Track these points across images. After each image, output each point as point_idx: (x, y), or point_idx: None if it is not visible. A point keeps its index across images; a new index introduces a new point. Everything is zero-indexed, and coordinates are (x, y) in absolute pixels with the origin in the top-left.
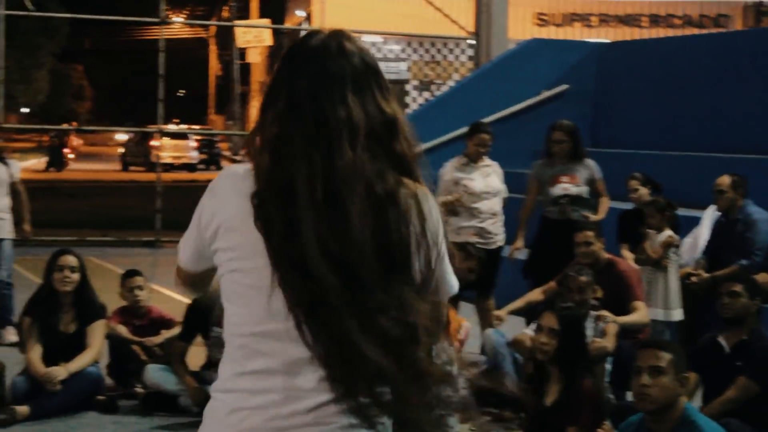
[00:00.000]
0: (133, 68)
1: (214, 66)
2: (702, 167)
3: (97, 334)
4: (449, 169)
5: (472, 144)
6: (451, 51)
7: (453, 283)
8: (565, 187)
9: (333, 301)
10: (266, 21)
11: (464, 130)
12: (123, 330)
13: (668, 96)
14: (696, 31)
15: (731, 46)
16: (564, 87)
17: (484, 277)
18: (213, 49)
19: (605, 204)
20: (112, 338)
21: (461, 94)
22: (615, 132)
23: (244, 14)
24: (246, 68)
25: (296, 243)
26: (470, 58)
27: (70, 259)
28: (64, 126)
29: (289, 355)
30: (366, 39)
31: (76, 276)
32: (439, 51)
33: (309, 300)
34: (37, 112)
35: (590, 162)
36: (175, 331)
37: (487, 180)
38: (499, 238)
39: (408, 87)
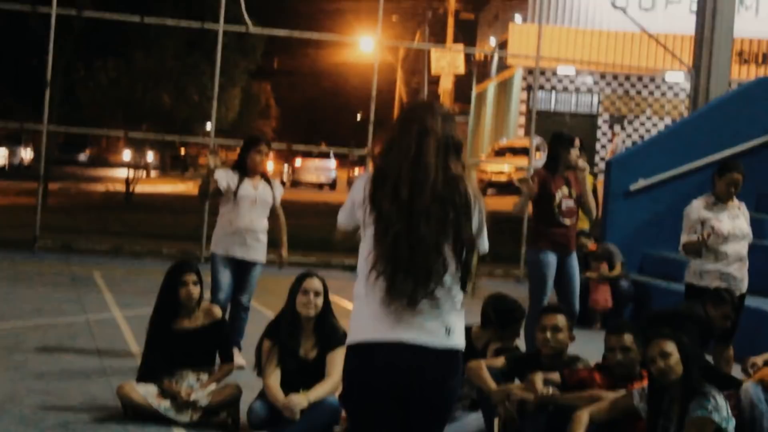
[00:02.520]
0: (318, 89)
1: (401, 91)
2: None
3: (338, 362)
4: (696, 208)
5: (722, 183)
6: (645, 86)
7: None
8: None
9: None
10: (460, 47)
11: (687, 167)
12: None
13: None
14: None
15: None
16: None
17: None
18: (400, 75)
19: None
20: None
21: (684, 131)
22: None
23: (439, 39)
24: (433, 95)
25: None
26: (663, 93)
27: (316, 283)
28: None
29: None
30: (559, 71)
31: (320, 301)
32: (633, 86)
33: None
34: (228, 130)
35: None
36: None
37: (735, 222)
38: (744, 284)
39: (599, 121)
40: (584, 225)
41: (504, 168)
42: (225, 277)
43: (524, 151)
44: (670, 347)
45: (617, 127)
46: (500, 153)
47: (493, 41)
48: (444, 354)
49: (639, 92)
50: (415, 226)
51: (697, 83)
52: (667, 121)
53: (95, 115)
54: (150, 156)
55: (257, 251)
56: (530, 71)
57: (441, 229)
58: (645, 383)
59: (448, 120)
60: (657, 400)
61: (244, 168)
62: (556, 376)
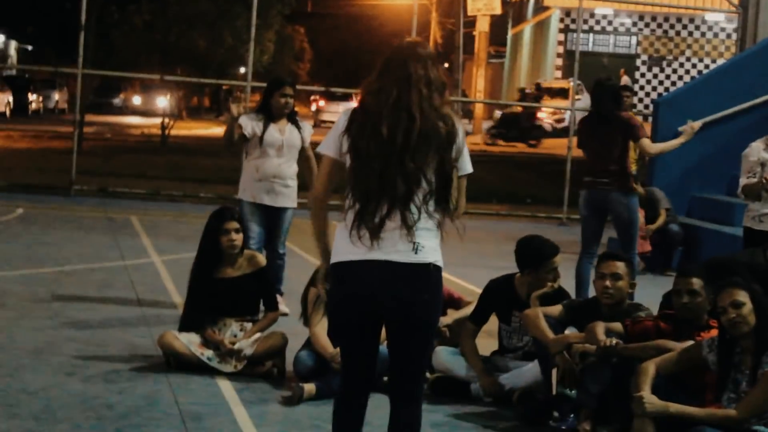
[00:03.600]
0: (352, 32)
1: (436, 33)
2: None
3: None
4: (755, 150)
5: None
6: (684, 27)
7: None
8: None
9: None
10: None
11: (736, 108)
12: None
13: None
14: None
15: None
16: None
17: None
18: (434, 17)
19: None
20: None
21: (732, 71)
22: None
23: None
24: (468, 37)
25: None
26: (702, 34)
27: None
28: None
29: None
30: (597, 11)
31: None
32: (672, 26)
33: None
34: (262, 72)
35: None
36: (466, 311)
37: None
38: None
39: (638, 62)
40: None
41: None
42: (255, 224)
43: (562, 92)
44: (743, 296)
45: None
46: (539, 96)
47: None
48: (412, 268)
49: (678, 33)
50: (398, 162)
51: (745, 21)
52: (707, 62)
53: (130, 60)
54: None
55: (286, 197)
56: (567, 13)
57: (424, 161)
58: (713, 333)
59: (430, 62)
60: (728, 351)
61: (269, 112)
62: (618, 326)
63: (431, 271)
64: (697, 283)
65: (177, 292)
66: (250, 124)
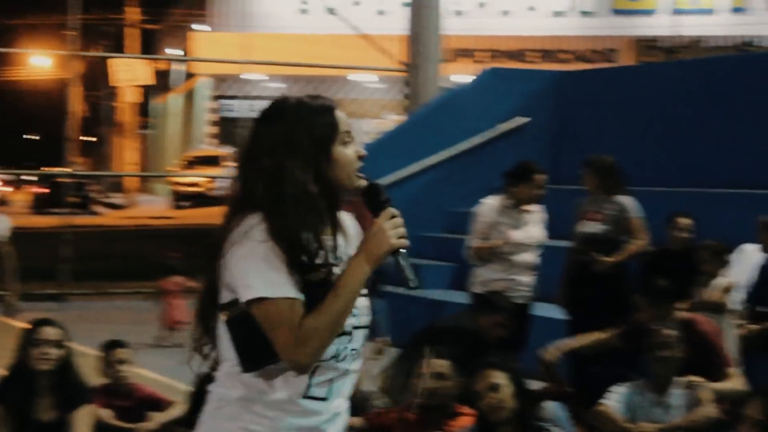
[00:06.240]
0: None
1: (79, 107)
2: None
3: (82, 422)
4: (488, 210)
5: (524, 189)
6: (328, 88)
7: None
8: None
9: None
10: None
11: (415, 167)
12: (106, 414)
13: (636, 128)
14: (588, 66)
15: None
16: (523, 120)
17: (515, 334)
18: (76, 90)
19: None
20: (97, 426)
21: (410, 130)
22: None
23: (120, 50)
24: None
25: None
26: (349, 95)
27: (51, 332)
28: None
29: None
30: (252, 77)
31: (57, 352)
32: (317, 88)
33: None
34: None
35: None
36: (172, 413)
37: (528, 229)
38: (530, 292)
39: None
40: None
41: (198, 179)
42: None
43: (215, 160)
44: (501, 378)
45: None
46: (191, 164)
47: (176, 51)
48: None
49: (333, 94)
50: None
51: (415, 79)
52: (362, 122)
53: None
54: None
55: None
56: (223, 79)
57: None
58: (465, 422)
59: None
60: None
61: None
62: (356, 420)
63: None
64: (442, 364)
65: None
66: None
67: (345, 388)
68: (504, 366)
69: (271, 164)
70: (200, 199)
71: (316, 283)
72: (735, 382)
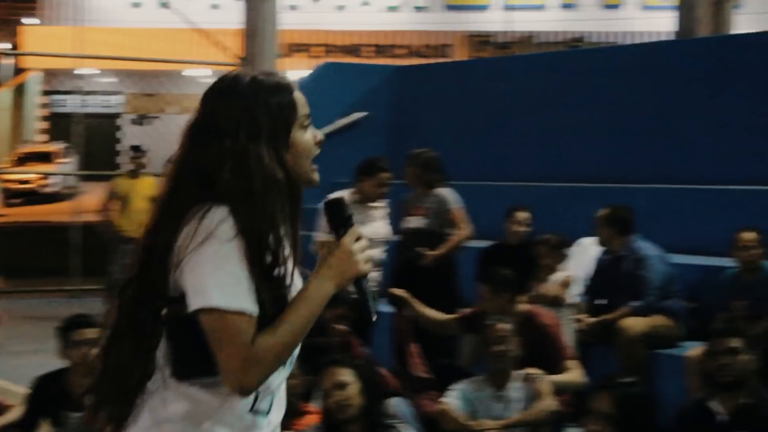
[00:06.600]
0: None
1: None
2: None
3: None
4: None
5: (370, 185)
6: (162, 83)
7: None
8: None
9: None
10: None
11: None
12: None
13: (471, 123)
14: (422, 60)
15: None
16: (360, 115)
17: (359, 330)
18: None
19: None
20: None
21: None
22: None
23: None
24: None
25: None
26: (184, 89)
27: None
28: None
29: None
30: (84, 71)
31: None
32: (162, 84)
33: None
34: None
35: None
36: (9, 417)
37: (374, 225)
38: (376, 288)
39: (120, 121)
40: None
41: (29, 175)
42: None
43: (47, 157)
44: (347, 375)
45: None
46: (22, 160)
47: (4, 45)
48: None
49: (167, 90)
50: None
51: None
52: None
53: None
54: None
55: None
56: (50, 74)
57: None
58: (310, 420)
59: None
60: None
61: None
62: None
63: None
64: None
65: None
66: None
67: (282, 399)
68: (350, 363)
69: (233, 146)
70: (31, 196)
71: (274, 296)
72: (574, 374)
